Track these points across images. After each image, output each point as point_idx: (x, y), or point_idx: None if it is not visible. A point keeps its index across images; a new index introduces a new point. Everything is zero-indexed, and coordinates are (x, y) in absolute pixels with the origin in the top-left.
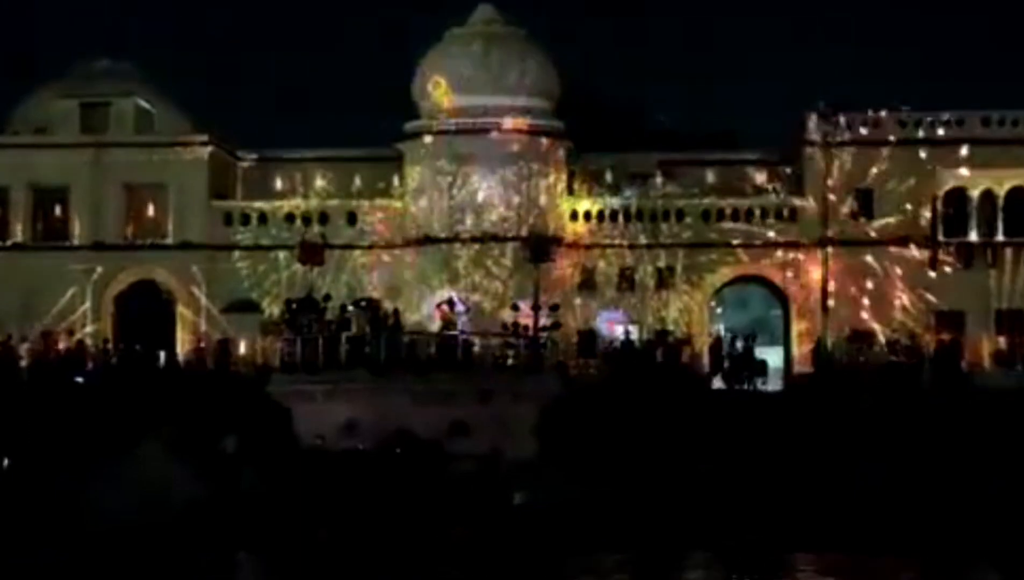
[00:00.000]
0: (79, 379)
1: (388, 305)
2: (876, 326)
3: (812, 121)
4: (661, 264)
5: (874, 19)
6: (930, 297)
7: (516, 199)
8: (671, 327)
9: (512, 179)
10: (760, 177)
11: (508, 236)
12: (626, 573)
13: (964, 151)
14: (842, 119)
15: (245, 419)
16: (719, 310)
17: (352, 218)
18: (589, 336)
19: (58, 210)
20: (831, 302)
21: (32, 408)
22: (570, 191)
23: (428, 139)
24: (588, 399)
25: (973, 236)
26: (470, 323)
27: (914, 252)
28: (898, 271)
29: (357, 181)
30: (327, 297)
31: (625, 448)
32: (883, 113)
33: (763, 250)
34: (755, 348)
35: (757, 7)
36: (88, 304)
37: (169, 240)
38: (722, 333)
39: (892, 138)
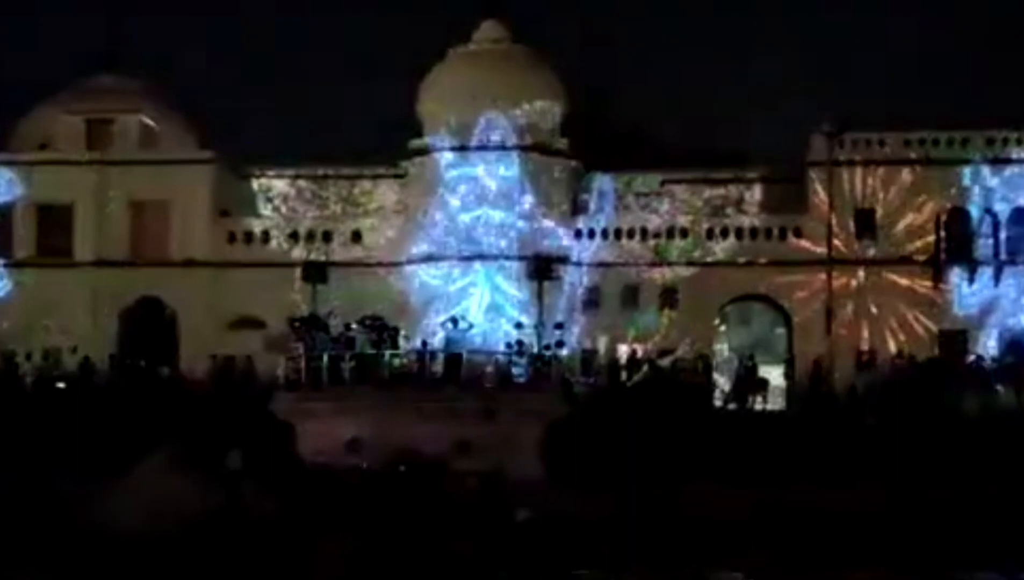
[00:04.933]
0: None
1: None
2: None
3: (817, 141)
4: (665, 283)
5: (879, 40)
6: (934, 316)
7: (520, 217)
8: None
9: (516, 197)
10: (765, 195)
11: (512, 254)
12: None
13: (968, 170)
14: (847, 139)
15: (249, 436)
16: (722, 328)
17: (356, 236)
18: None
19: (62, 227)
20: (835, 321)
21: (36, 423)
22: (575, 209)
23: (433, 157)
24: (592, 417)
25: (976, 256)
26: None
27: (917, 271)
28: (902, 290)
29: (362, 199)
30: (330, 314)
31: (629, 465)
32: (887, 133)
33: (767, 268)
34: (758, 367)
35: (765, 28)
36: (92, 321)
37: (173, 257)
38: (725, 353)
39: (896, 158)
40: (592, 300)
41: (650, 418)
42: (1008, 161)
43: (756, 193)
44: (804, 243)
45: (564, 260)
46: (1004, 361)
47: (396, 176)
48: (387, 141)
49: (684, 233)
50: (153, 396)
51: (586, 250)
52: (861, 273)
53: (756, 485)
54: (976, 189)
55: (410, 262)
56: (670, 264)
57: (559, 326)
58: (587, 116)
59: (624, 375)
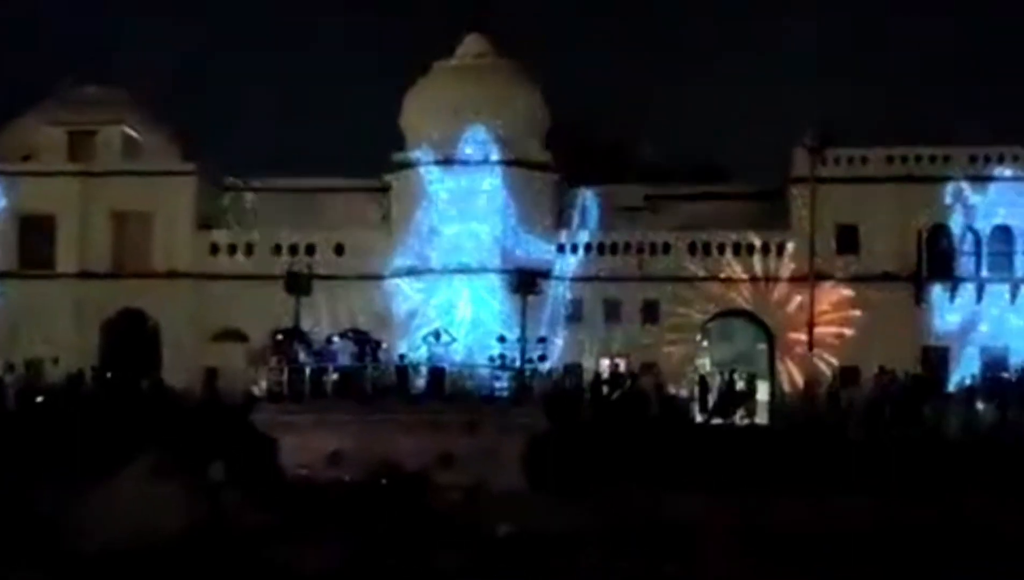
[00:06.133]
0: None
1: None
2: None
3: (799, 156)
4: (647, 297)
5: (863, 57)
6: (916, 333)
7: (503, 231)
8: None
9: (499, 211)
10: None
11: (495, 268)
12: None
13: (950, 187)
14: (829, 155)
15: (231, 448)
16: (705, 344)
17: (339, 248)
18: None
19: (45, 238)
20: (816, 337)
21: (19, 435)
22: (557, 223)
23: (416, 170)
24: (574, 431)
25: (958, 273)
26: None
27: (899, 288)
28: (883, 307)
29: (344, 211)
30: (314, 328)
31: (612, 480)
32: (870, 149)
33: (749, 284)
34: (737, 382)
35: (747, 43)
36: (75, 332)
37: (156, 269)
38: (707, 368)
39: (879, 174)
40: (575, 314)
41: (633, 432)
42: (990, 178)
43: (738, 209)
44: (786, 259)
45: (547, 274)
46: (986, 379)
47: (379, 189)
48: (371, 154)
49: (667, 248)
50: (135, 408)
51: (569, 264)
52: (843, 289)
53: (741, 498)
54: (958, 206)
55: (393, 275)
56: (653, 279)
57: (542, 340)
58: (570, 130)
59: (606, 389)
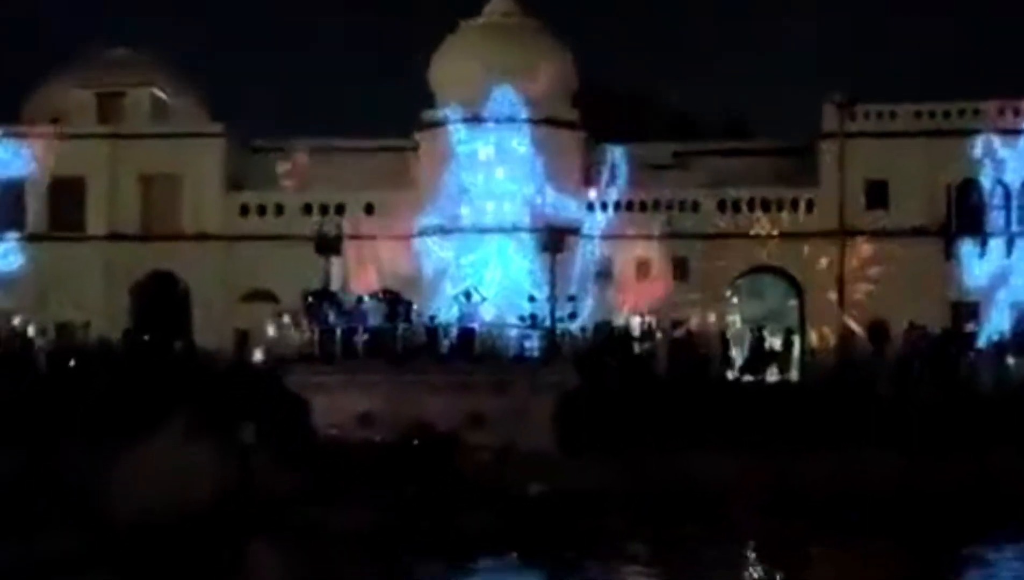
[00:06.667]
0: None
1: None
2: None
3: (828, 112)
4: (676, 254)
5: (890, 9)
6: (946, 288)
7: (532, 190)
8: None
9: (528, 170)
10: (776, 167)
11: (524, 227)
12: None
13: (979, 141)
14: (858, 110)
15: (262, 409)
16: (735, 300)
17: (369, 208)
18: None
19: (74, 201)
20: (846, 293)
21: (50, 397)
22: (586, 181)
23: (445, 129)
24: (604, 390)
25: (988, 227)
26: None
27: (929, 243)
28: (913, 262)
29: (374, 171)
30: (344, 287)
31: (642, 438)
32: (899, 104)
33: (778, 240)
34: (767, 339)
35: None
36: (104, 295)
37: (185, 230)
38: (737, 325)
39: (908, 129)
40: (604, 272)
41: (663, 389)
42: (1019, 132)
43: (768, 164)
44: (816, 215)
45: (576, 232)
46: (1016, 333)
47: (408, 148)
48: (399, 113)
49: (696, 205)
50: (166, 370)
51: (598, 222)
52: (873, 245)
53: (770, 455)
54: (988, 160)
55: (422, 234)
56: (682, 236)
57: (571, 298)
58: (598, 87)
59: (637, 347)
